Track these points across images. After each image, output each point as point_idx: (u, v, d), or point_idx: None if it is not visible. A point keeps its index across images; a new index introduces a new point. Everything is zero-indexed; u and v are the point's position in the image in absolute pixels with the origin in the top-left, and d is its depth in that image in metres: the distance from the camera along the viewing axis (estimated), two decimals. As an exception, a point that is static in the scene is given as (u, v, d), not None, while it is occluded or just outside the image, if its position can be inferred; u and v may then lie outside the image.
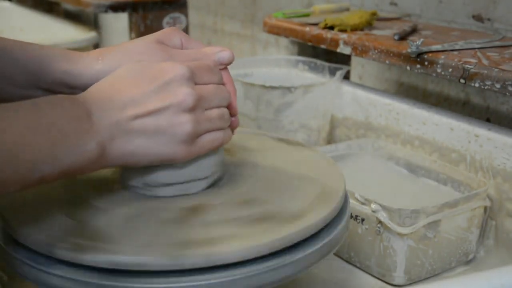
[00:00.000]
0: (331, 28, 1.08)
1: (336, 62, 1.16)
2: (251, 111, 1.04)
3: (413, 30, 1.05)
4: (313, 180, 0.65)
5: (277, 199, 0.61)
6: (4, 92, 0.62)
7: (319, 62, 1.15)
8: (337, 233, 0.59)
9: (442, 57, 0.88)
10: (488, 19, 1.11)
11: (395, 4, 1.29)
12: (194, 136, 0.56)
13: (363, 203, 0.77)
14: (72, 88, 0.62)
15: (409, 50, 0.90)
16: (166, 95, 0.55)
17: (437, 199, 0.80)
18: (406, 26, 1.06)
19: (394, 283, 0.77)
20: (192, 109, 0.56)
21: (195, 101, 0.56)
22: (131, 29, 1.68)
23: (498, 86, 0.80)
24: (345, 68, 1.11)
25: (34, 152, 0.48)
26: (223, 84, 0.61)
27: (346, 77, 1.16)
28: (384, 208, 0.74)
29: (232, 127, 0.63)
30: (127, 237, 0.53)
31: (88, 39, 1.93)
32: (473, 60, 0.85)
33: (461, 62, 0.85)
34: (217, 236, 0.54)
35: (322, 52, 1.20)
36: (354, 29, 1.07)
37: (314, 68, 1.16)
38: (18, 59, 0.61)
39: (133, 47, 0.62)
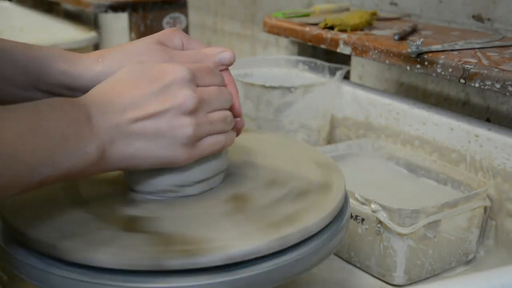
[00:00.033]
0: (331, 28, 1.08)
1: (336, 62, 1.16)
2: (251, 111, 1.04)
3: (413, 30, 1.05)
4: (313, 180, 0.65)
5: (276, 200, 0.61)
6: (4, 93, 0.62)
7: (319, 62, 1.15)
8: (337, 233, 0.59)
9: (442, 57, 0.88)
10: (488, 19, 1.11)
11: (395, 4, 1.29)
12: (195, 139, 0.56)
13: (363, 203, 0.77)
14: (72, 89, 0.61)
15: (409, 50, 0.90)
16: (167, 98, 0.54)
17: (437, 199, 0.80)
18: (406, 26, 1.06)
19: (394, 283, 0.77)
20: (193, 112, 0.55)
21: (196, 103, 0.55)
22: (131, 29, 1.68)
23: (498, 86, 0.80)
24: (345, 68, 1.11)
25: (34, 155, 0.48)
26: (224, 85, 0.61)
27: (346, 77, 1.16)
28: (384, 208, 0.74)
29: (237, 128, 0.63)
30: (129, 237, 0.53)
31: (88, 39, 1.93)
32: (473, 60, 0.85)
33: (461, 62, 0.85)
34: (217, 237, 0.54)
35: (322, 52, 1.20)
36: (354, 29, 1.07)
37: (314, 68, 1.16)
38: (18, 60, 0.61)
39: (133, 48, 0.62)
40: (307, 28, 1.12)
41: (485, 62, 0.85)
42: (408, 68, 0.92)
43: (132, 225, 0.56)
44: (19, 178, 0.47)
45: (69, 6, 2.33)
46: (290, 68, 1.20)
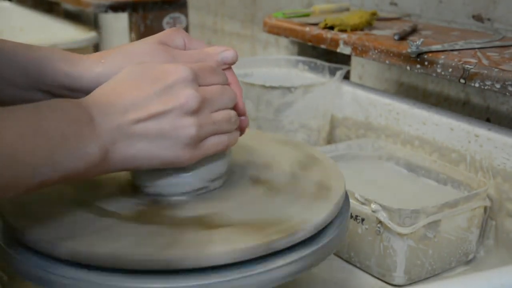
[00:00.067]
0: (331, 28, 1.08)
1: (336, 62, 1.16)
2: (251, 111, 1.04)
3: (413, 30, 1.05)
4: (313, 180, 0.65)
5: (277, 200, 0.61)
6: (4, 94, 0.61)
7: (319, 62, 1.15)
8: (337, 233, 0.59)
9: (442, 57, 0.88)
10: (488, 19, 1.11)
11: (395, 4, 1.29)
12: (197, 140, 0.56)
13: (363, 203, 0.77)
14: (73, 90, 0.61)
15: (409, 50, 0.90)
16: (169, 98, 0.54)
17: (437, 199, 0.80)
18: (406, 26, 1.06)
19: (394, 283, 0.77)
20: (195, 112, 0.55)
21: (198, 103, 0.55)
22: (131, 29, 1.68)
23: (498, 86, 0.80)
24: (345, 68, 1.11)
25: (34, 155, 0.48)
26: (228, 84, 0.61)
27: (346, 77, 1.16)
28: (384, 208, 0.74)
29: (242, 127, 0.63)
30: (132, 237, 0.53)
31: (88, 39, 1.93)
32: (473, 60, 0.85)
33: (461, 62, 0.85)
34: (217, 237, 0.54)
35: (322, 52, 1.20)
36: (354, 29, 1.07)
37: (314, 68, 1.16)
38: (18, 61, 0.61)
39: (134, 49, 0.62)
40: (307, 28, 1.12)
41: (485, 62, 0.85)
42: (408, 68, 0.92)
43: (136, 224, 0.55)
44: (19, 178, 0.47)
45: (69, 6, 2.33)
46: (290, 68, 1.20)
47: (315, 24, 1.13)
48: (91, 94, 0.55)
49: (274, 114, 1.05)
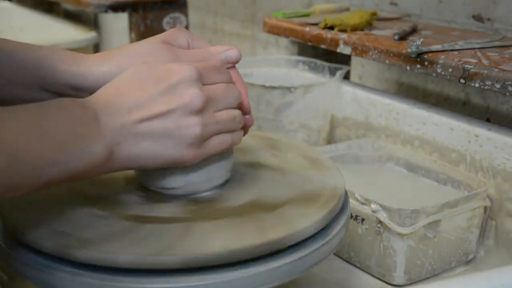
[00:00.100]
0: (331, 28, 1.08)
1: (336, 62, 1.16)
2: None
3: (413, 30, 1.05)
4: (313, 180, 0.65)
5: (277, 200, 0.61)
6: (9, 93, 0.62)
7: (319, 62, 1.15)
8: (337, 233, 0.59)
9: (442, 57, 0.88)
10: (488, 19, 1.11)
11: (395, 4, 1.29)
12: (202, 139, 0.56)
13: (363, 203, 0.77)
14: (77, 89, 0.61)
15: (409, 50, 0.90)
16: (173, 97, 0.54)
17: (437, 199, 0.80)
18: (406, 26, 1.06)
19: (394, 283, 0.77)
20: (200, 111, 0.55)
21: (203, 102, 0.55)
22: (131, 29, 1.68)
23: (498, 86, 0.80)
24: (345, 68, 1.11)
25: (40, 155, 0.48)
26: (232, 83, 0.61)
27: (346, 77, 1.16)
28: (384, 208, 0.74)
29: (246, 126, 0.63)
30: (134, 236, 0.53)
31: (88, 39, 1.93)
32: (473, 60, 0.85)
33: (461, 62, 0.85)
34: (218, 236, 0.54)
35: (322, 52, 1.20)
36: (354, 29, 1.07)
37: (314, 68, 1.16)
38: (21, 60, 0.61)
39: (138, 48, 0.62)
40: (307, 28, 1.12)
41: (485, 62, 0.85)
42: (408, 68, 0.92)
43: (138, 224, 0.55)
44: (26, 178, 0.48)
45: (69, 6, 2.33)
46: (290, 68, 1.20)
47: (315, 24, 1.13)
48: (95, 93, 0.55)
49: (274, 114, 1.05)
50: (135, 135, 0.53)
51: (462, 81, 0.84)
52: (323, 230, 0.58)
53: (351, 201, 0.74)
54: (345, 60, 1.20)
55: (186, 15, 1.71)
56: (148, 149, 0.54)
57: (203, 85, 0.56)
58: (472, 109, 1.15)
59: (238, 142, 0.61)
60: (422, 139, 0.94)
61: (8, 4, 2.44)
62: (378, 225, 0.76)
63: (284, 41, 1.63)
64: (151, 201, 0.60)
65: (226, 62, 0.63)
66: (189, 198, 0.61)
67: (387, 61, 0.95)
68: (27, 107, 0.49)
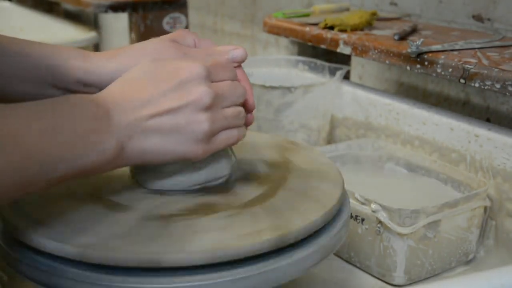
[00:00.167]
0: (331, 28, 1.08)
1: (336, 62, 1.16)
2: (251, 111, 1.04)
3: (413, 30, 1.05)
4: (313, 180, 0.65)
5: (276, 199, 0.61)
6: (15, 90, 0.63)
7: (319, 62, 1.15)
8: (337, 233, 0.59)
9: (442, 57, 0.88)
10: (488, 19, 1.11)
11: (395, 4, 1.29)
12: (210, 135, 0.57)
13: (363, 203, 0.77)
14: (88, 86, 0.62)
15: (409, 50, 0.90)
16: (183, 94, 0.55)
17: (437, 199, 0.80)
18: (406, 26, 1.06)
19: (394, 283, 0.77)
20: (209, 108, 0.56)
21: (212, 99, 0.56)
22: (131, 29, 1.68)
23: (498, 86, 0.80)
24: (345, 68, 1.11)
25: (54, 152, 0.48)
26: (238, 81, 0.62)
27: (346, 77, 1.16)
28: (384, 208, 0.74)
29: (247, 124, 0.64)
30: (135, 235, 0.53)
31: (88, 39, 1.93)
32: (473, 60, 0.85)
33: (461, 62, 0.85)
34: (217, 235, 0.54)
35: (322, 52, 1.20)
36: (354, 29, 1.07)
37: (314, 68, 1.16)
38: (30, 57, 0.62)
39: (147, 46, 0.63)
40: (307, 28, 1.12)
41: (485, 62, 0.85)
42: (408, 68, 0.92)
43: (141, 223, 0.55)
44: (41, 175, 0.48)
45: (69, 6, 2.33)
46: (290, 68, 1.20)
47: (315, 24, 1.13)
48: (106, 89, 0.56)
49: (274, 114, 1.05)
50: (146, 131, 0.54)
51: (462, 81, 0.84)
52: (323, 230, 0.58)
53: (351, 201, 0.74)
54: (345, 60, 1.20)
55: (186, 15, 1.71)
56: (158, 145, 0.55)
57: (211, 82, 0.57)
58: (472, 109, 1.15)
59: (243, 137, 0.62)
60: (422, 139, 0.94)
61: (8, 4, 2.44)
62: (378, 225, 0.76)
63: (284, 41, 1.63)
64: (151, 199, 0.60)
65: (233, 61, 0.64)
66: (187, 194, 0.61)
67: (387, 61, 0.95)
68: (38, 103, 0.50)
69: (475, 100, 1.15)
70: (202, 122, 0.55)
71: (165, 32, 1.64)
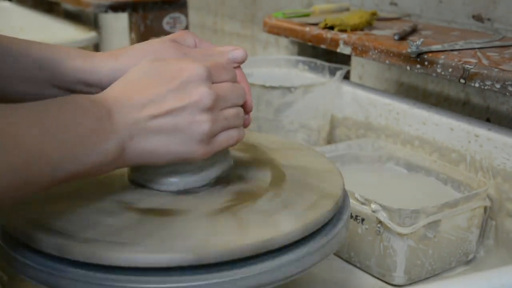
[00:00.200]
0: (331, 28, 1.08)
1: (336, 62, 1.16)
2: (251, 111, 1.04)
3: (413, 30, 1.05)
4: (313, 180, 0.65)
5: (276, 199, 0.61)
6: (16, 90, 0.63)
7: (319, 62, 1.15)
8: (337, 233, 0.59)
9: (442, 57, 0.88)
10: (488, 19, 1.11)
11: (395, 4, 1.29)
12: (211, 135, 0.57)
13: (363, 203, 0.77)
14: (89, 85, 0.62)
15: (409, 50, 0.90)
16: (184, 95, 0.55)
17: (437, 199, 0.80)
18: (406, 26, 1.06)
19: (394, 283, 0.77)
20: (209, 109, 0.56)
21: (212, 100, 0.56)
22: (131, 29, 1.68)
23: (498, 86, 0.80)
24: (345, 68, 1.11)
25: (57, 151, 0.48)
26: (237, 82, 0.62)
27: (346, 77, 1.16)
28: (384, 208, 0.74)
29: (245, 125, 0.64)
30: (135, 235, 0.53)
31: (88, 39, 1.93)
32: (473, 60, 0.85)
33: (461, 62, 0.85)
34: (217, 235, 0.54)
35: (322, 52, 1.20)
36: (354, 29, 1.07)
37: (314, 68, 1.16)
38: (31, 57, 0.62)
39: (147, 46, 0.64)
40: (307, 28, 1.12)
41: (485, 62, 0.85)
42: (408, 68, 0.92)
43: (142, 223, 0.55)
44: (42, 175, 0.48)
45: (69, 6, 2.33)
46: (290, 68, 1.20)
47: (315, 24, 1.13)
48: (108, 89, 0.56)
49: (274, 114, 1.05)
50: (147, 131, 0.54)
51: (462, 81, 0.84)
52: (323, 230, 0.58)
53: (351, 201, 0.74)
54: (345, 60, 1.20)
55: (186, 15, 1.71)
56: (159, 145, 0.55)
57: (212, 83, 0.57)
58: (472, 109, 1.16)
59: (242, 138, 0.62)
60: (422, 139, 0.94)
61: (8, 4, 2.44)
62: (378, 225, 0.76)
63: (284, 41, 1.63)
64: (150, 199, 0.60)
65: (233, 62, 0.64)
66: (187, 194, 0.61)
67: (387, 61, 0.95)
68: (39, 104, 0.50)
69: (475, 100, 1.15)
70: (202, 123, 0.55)
71: (165, 32, 1.64)
